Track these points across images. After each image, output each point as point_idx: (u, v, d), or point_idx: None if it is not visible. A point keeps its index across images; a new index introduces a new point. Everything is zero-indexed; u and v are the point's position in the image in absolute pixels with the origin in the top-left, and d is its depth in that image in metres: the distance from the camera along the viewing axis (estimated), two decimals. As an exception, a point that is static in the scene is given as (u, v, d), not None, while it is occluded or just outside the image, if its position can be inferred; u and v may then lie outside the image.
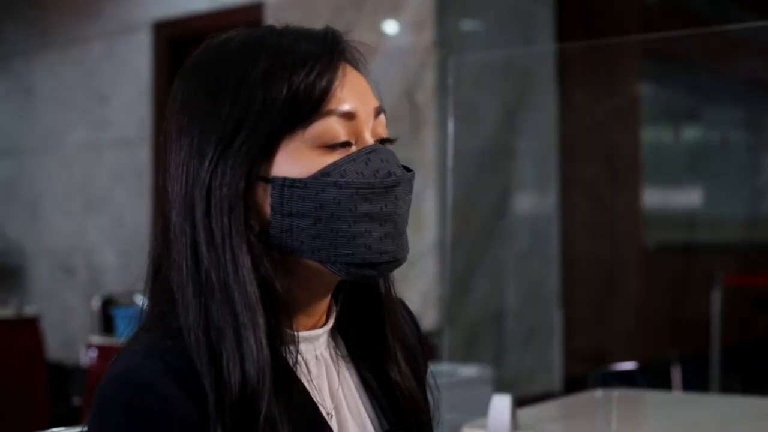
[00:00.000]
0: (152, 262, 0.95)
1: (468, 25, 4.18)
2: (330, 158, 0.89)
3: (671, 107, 5.63)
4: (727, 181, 5.92)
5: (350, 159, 0.89)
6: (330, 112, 0.89)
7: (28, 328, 4.55)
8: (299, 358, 0.92)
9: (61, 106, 5.54)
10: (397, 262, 0.92)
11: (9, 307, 4.58)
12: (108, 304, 4.25)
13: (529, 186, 4.44)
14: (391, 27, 4.05)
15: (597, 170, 4.83)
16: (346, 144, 0.90)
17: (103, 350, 3.84)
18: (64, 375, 4.93)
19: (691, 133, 5.91)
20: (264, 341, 0.87)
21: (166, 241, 0.92)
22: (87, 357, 3.96)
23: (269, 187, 0.89)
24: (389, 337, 1.02)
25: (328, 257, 0.89)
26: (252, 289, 0.87)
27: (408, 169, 0.95)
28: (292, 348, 0.91)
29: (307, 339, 0.95)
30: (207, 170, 0.88)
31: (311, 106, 0.89)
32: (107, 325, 4.17)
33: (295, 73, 0.89)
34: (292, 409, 0.88)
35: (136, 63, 5.16)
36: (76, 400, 4.42)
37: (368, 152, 0.90)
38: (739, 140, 6.11)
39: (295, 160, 0.89)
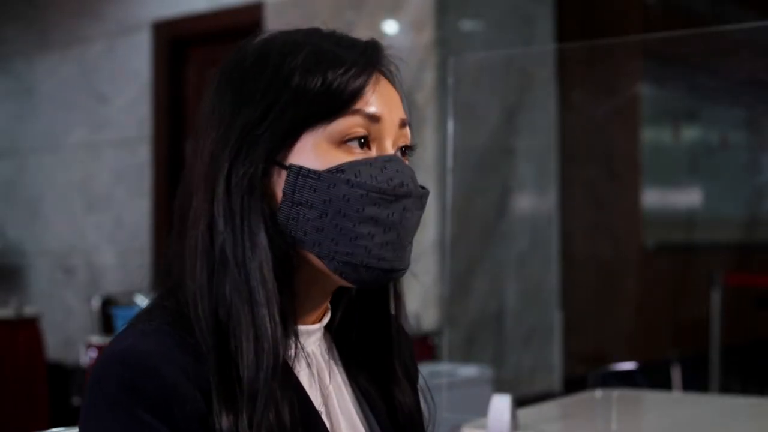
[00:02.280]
0: (167, 245, 0.96)
1: (468, 25, 4.18)
2: (348, 157, 0.91)
3: (671, 107, 5.62)
4: (726, 181, 5.92)
5: (367, 162, 0.91)
6: (356, 112, 0.91)
7: (28, 328, 4.55)
8: (291, 351, 0.92)
9: (61, 106, 5.54)
10: (393, 272, 0.92)
11: (9, 307, 4.57)
12: (108, 304, 4.25)
13: (529, 186, 4.44)
14: (391, 27, 4.05)
15: (597, 170, 4.83)
16: (365, 143, 0.92)
17: (102, 350, 3.83)
18: (64, 375, 4.93)
19: (691, 133, 5.91)
20: (278, 318, 0.88)
21: (182, 226, 0.93)
22: (87, 357, 3.96)
23: (284, 174, 0.90)
24: (395, 363, 1.03)
25: (327, 252, 0.90)
26: (268, 268, 0.88)
27: (423, 188, 0.96)
28: (291, 341, 0.91)
29: (302, 333, 0.96)
30: (232, 150, 0.90)
31: (340, 102, 0.91)
32: (107, 325, 4.17)
33: (331, 71, 0.91)
34: (289, 398, 0.88)
35: (136, 63, 5.16)
36: (76, 400, 4.42)
37: (386, 160, 0.92)
38: (738, 140, 6.10)
39: (313, 153, 0.90)
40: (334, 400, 0.98)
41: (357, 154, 0.91)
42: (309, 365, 0.95)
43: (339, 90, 0.90)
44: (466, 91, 3.86)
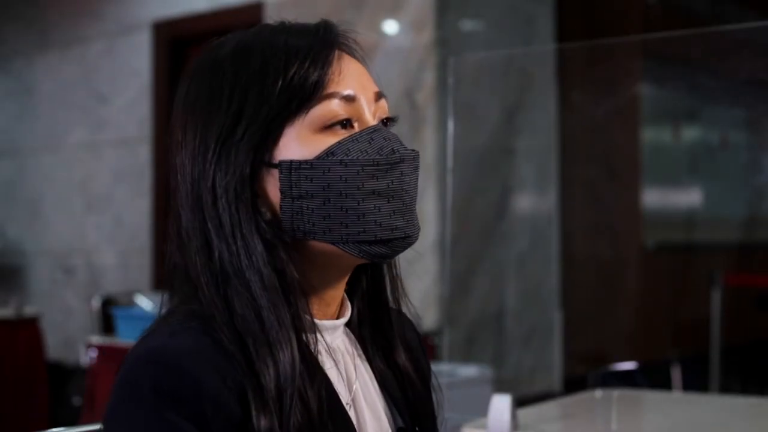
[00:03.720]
0: (168, 262, 0.95)
1: (468, 25, 4.18)
2: (333, 139, 0.91)
3: (671, 107, 5.62)
4: (726, 181, 5.92)
5: (353, 138, 0.91)
6: (330, 95, 0.91)
7: (28, 328, 4.55)
8: (319, 346, 0.92)
9: (61, 106, 5.54)
10: (408, 238, 0.93)
11: (9, 307, 4.57)
12: (108, 304, 4.25)
13: (529, 186, 4.44)
14: (391, 27, 4.05)
15: (597, 170, 4.83)
16: (347, 123, 0.92)
17: (103, 350, 3.83)
18: (64, 375, 4.93)
19: (691, 133, 5.91)
20: (288, 322, 0.88)
21: (179, 241, 0.93)
22: (87, 357, 3.95)
23: (277, 173, 0.90)
24: (394, 331, 1.03)
25: (340, 237, 0.90)
26: (267, 272, 0.88)
27: (413, 150, 0.96)
28: (312, 335, 0.91)
29: (326, 328, 0.96)
30: (210, 162, 0.90)
31: (308, 92, 0.90)
32: (107, 325, 4.17)
33: (289, 67, 0.91)
34: (318, 393, 0.88)
35: (136, 63, 5.16)
36: (76, 400, 4.42)
37: (371, 132, 0.92)
38: (738, 140, 6.10)
39: (299, 145, 0.90)
40: (361, 395, 0.98)
41: (341, 133, 0.91)
42: (336, 361, 0.95)
43: (301, 82, 0.90)
44: (466, 91, 3.86)
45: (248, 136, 0.90)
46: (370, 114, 0.94)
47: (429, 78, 3.89)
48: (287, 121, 0.90)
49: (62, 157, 5.52)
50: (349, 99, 0.92)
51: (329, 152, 0.90)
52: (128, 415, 0.83)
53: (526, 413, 2.11)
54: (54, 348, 5.08)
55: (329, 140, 0.90)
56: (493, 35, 4.27)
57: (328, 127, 0.91)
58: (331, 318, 0.98)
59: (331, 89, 0.91)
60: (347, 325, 1.02)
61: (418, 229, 0.94)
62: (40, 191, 5.63)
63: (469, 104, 3.96)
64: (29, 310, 4.67)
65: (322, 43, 0.93)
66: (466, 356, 3.85)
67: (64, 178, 5.50)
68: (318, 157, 0.90)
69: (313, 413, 0.86)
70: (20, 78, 5.79)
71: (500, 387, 3.22)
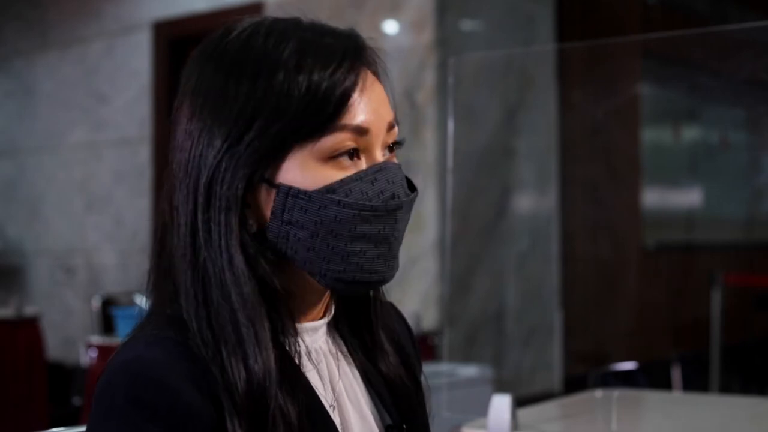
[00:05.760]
0: (156, 245, 0.95)
1: (468, 25, 4.18)
2: (338, 173, 0.88)
3: (671, 107, 5.62)
4: (726, 181, 5.92)
5: (357, 178, 0.89)
6: (344, 127, 0.88)
7: (28, 328, 4.54)
8: (300, 349, 0.92)
9: (61, 106, 5.54)
10: (383, 282, 0.93)
11: (9, 307, 4.57)
12: (108, 304, 4.24)
13: (529, 186, 4.44)
14: (391, 27, 4.05)
15: (597, 170, 4.83)
16: (354, 153, 0.90)
17: (103, 350, 3.83)
18: (64, 375, 4.93)
19: (691, 133, 5.91)
20: (267, 337, 0.87)
21: (169, 226, 0.92)
22: (87, 357, 3.96)
23: (273, 192, 0.88)
24: (378, 332, 1.02)
25: (319, 270, 0.90)
26: (248, 288, 0.87)
27: (412, 188, 0.95)
28: (293, 340, 0.91)
29: (307, 331, 0.95)
30: (211, 166, 0.88)
31: (326, 114, 0.88)
32: (107, 325, 4.17)
33: (317, 67, 0.88)
34: (298, 400, 0.88)
35: (136, 63, 5.16)
36: (76, 400, 4.42)
37: (375, 171, 0.90)
38: (738, 140, 6.11)
39: (302, 170, 0.88)
40: (345, 396, 0.98)
41: (347, 168, 0.89)
42: (316, 362, 0.95)
43: (326, 95, 0.87)
44: (466, 91, 3.86)
45: (253, 148, 0.88)
46: (380, 146, 0.92)
47: (429, 78, 3.89)
48: (296, 144, 0.88)
49: (62, 157, 5.52)
50: (362, 131, 0.90)
51: (330, 189, 0.88)
52: (105, 426, 0.83)
53: (526, 413, 2.11)
54: (54, 348, 5.08)
55: (332, 174, 0.88)
56: (493, 35, 4.27)
57: (333, 157, 0.89)
58: (315, 319, 0.97)
59: (346, 120, 0.89)
60: (333, 323, 1.01)
61: (396, 270, 0.94)
62: (39, 191, 5.63)
63: (469, 104, 3.96)
64: (29, 310, 4.67)
65: (352, 55, 0.91)
66: (466, 356, 3.85)
67: (64, 178, 5.50)
68: (318, 191, 0.88)
69: (293, 426, 0.86)
70: (20, 78, 5.79)
71: (500, 387, 3.21)
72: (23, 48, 5.78)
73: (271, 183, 0.89)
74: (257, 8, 4.50)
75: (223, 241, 0.88)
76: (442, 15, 3.95)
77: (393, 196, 0.90)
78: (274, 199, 0.89)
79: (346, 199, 0.88)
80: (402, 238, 0.94)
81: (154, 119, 5.06)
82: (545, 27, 4.46)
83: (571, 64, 4.51)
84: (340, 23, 0.97)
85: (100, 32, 5.35)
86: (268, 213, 0.89)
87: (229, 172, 0.88)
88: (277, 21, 0.93)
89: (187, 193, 0.90)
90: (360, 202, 0.88)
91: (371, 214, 0.89)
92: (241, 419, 0.84)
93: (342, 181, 0.88)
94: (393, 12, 4.03)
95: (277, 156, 0.88)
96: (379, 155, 0.92)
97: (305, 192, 0.88)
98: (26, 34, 5.77)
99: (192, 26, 4.91)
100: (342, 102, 0.88)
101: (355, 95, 0.89)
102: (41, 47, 5.66)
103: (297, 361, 0.91)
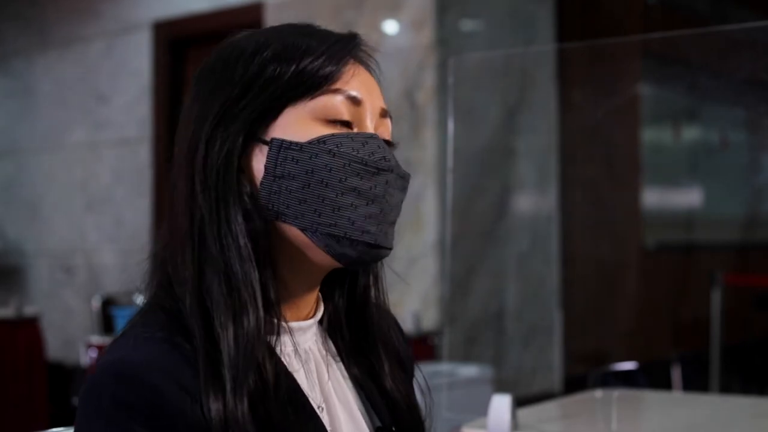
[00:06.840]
0: (156, 235, 0.98)
1: (468, 25, 4.18)
2: (329, 131, 0.91)
3: (671, 107, 5.62)
4: (726, 181, 5.92)
5: (348, 136, 0.91)
6: (338, 91, 0.92)
7: (28, 328, 4.55)
8: (288, 349, 0.92)
9: (61, 106, 5.54)
10: (377, 248, 0.92)
11: (9, 307, 4.57)
12: (108, 304, 4.25)
13: (529, 186, 4.44)
14: (391, 27, 4.05)
15: (597, 170, 4.83)
16: (347, 124, 0.93)
17: (103, 350, 3.83)
18: (64, 375, 4.93)
19: (691, 133, 5.91)
20: (258, 292, 0.88)
21: (169, 209, 0.94)
22: (87, 357, 3.96)
23: (266, 150, 0.91)
24: (378, 346, 1.03)
25: (311, 224, 0.90)
26: (244, 241, 0.89)
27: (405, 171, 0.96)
28: (280, 338, 0.91)
29: (296, 330, 0.95)
30: (210, 125, 0.91)
31: (318, 81, 0.92)
32: (107, 325, 4.17)
33: (305, 57, 0.92)
34: (282, 399, 0.88)
35: (136, 63, 5.16)
36: (76, 400, 4.42)
37: (367, 136, 0.93)
38: (738, 140, 6.10)
39: (295, 127, 0.91)
40: (334, 397, 0.98)
41: (338, 128, 0.92)
42: (304, 362, 0.95)
43: (314, 71, 0.91)
44: (466, 91, 3.86)
45: (250, 108, 0.91)
46: (372, 124, 0.94)
47: (429, 78, 3.89)
48: (290, 102, 0.91)
49: (62, 157, 5.52)
50: (355, 101, 0.93)
51: (321, 140, 0.90)
52: (91, 427, 0.84)
53: (526, 413, 2.11)
54: (54, 348, 5.08)
55: (325, 130, 0.91)
56: (493, 35, 4.27)
57: (328, 121, 0.92)
58: (303, 319, 0.98)
59: (339, 85, 0.92)
60: (326, 326, 1.01)
61: (392, 245, 0.94)
62: (40, 191, 5.63)
63: (469, 104, 3.96)
64: (29, 310, 4.67)
65: (341, 48, 0.94)
66: (466, 356, 3.85)
67: (64, 178, 5.50)
68: (309, 141, 0.90)
69: (268, 383, 0.86)
70: (20, 78, 5.79)
71: (500, 387, 3.22)
72: (22, 48, 5.78)
73: (264, 140, 0.91)
74: (257, 8, 4.50)
75: (221, 198, 0.90)
76: (442, 15, 3.95)
77: (384, 158, 0.92)
78: (267, 155, 0.90)
79: (337, 149, 0.90)
80: (396, 211, 0.94)
81: (154, 119, 5.06)
82: (545, 27, 4.46)
83: (571, 64, 4.51)
84: (339, 23, 0.99)
85: (99, 32, 5.35)
86: (261, 174, 0.91)
87: (227, 131, 0.90)
88: (270, 27, 0.99)
89: (185, 163, 0.92)
90: (351, 153, 0.90)
91: (361, 167, 0.90)
92: (219, 387, 0.84)
93: (333, 135, 0.91)
94: (393, 12, 4.02)
95: (271, 115, 0.91)
96: (371, 129, 0.94)
97: (297, 143, 0.90)
98: (25, 33, 5.77)
99: (192, 26, 4.91)
100: (334, 73, 0.92)
101: (346, 71, 0.93)
102: (41, 47, 5.66)
103: (282, 359, 0.91)
